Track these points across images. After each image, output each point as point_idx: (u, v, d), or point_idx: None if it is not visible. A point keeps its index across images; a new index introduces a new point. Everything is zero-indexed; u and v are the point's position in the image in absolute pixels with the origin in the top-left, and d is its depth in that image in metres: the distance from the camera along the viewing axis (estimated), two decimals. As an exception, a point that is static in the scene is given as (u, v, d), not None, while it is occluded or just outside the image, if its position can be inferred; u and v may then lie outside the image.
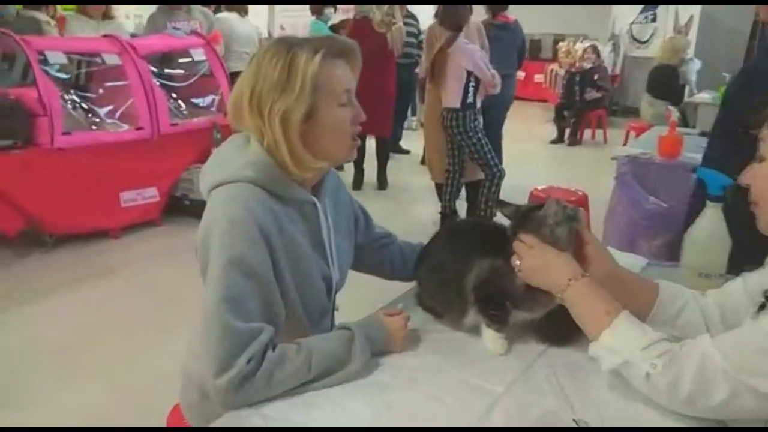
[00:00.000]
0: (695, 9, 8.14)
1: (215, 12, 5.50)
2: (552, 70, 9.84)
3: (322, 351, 1.02)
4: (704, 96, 5.68)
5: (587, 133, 7.98)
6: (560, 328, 1.10)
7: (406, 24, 5.24)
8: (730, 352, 0.86)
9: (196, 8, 4.91)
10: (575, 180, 4.63)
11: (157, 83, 4.03)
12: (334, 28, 5.85)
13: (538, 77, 10.60)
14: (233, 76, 4.37)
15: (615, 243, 2.54)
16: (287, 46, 1.09)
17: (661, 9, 9.19)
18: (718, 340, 0.88)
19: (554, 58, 10.04)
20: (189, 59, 4.38)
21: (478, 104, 3.90)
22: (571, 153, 7.44)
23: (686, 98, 5.68)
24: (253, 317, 1.00)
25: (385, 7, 4.80)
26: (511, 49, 4.78)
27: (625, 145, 5.84)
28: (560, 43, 9.88)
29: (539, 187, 3.92)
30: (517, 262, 1.08)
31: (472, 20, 4.00)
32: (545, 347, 1.13)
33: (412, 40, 5.54)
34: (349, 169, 5.27)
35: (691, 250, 1.35)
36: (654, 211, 2.99)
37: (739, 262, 1.34)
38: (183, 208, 4.14)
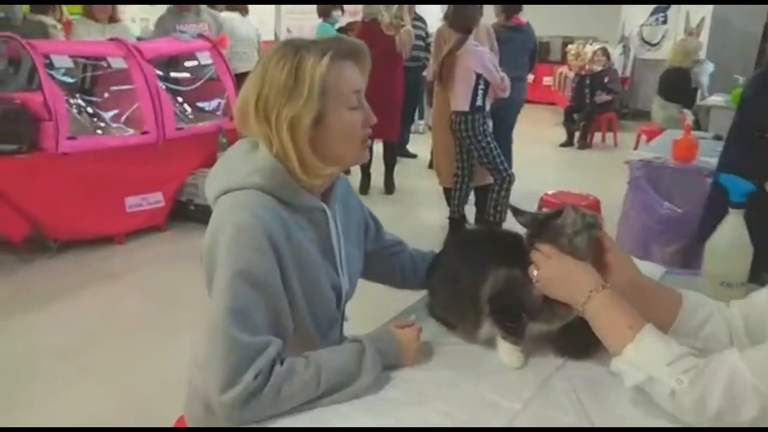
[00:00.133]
0: (706, 10, 8.05)
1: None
2: (561, 73, 9.78)
3: (331, 365, 0.98)
4: (717, 99, 5.61)
5: (597, 137, 7.92)
6: (579, 341, 1.05)
7: (414, 27, 5.20)
8: (760, 367, 0.81)
9: (205, 10, 4.90)
10: (586, 184, 4.58)
11: (163, 87, 4.01)
12: (341, 31, 5.82)
13: (547, 80, 10.54)
14: (237, 78, 4.35)
15: (628, 249, 2.47)
16: (294, 49, 1.05)
17: (672, 11, 9.10)
18: (747, 355, 0.84)
19: (563, 60, 9.97)
20: (195, 63, 4.36)
21: (488, 107, 3.86)
22: (581, 156, 7.38)
23: (698, 101, 5.61)
24: (260, 330, 0.96)
25: (394, 9, 4.76)
26: (523, 52, 4.72)
27: (636, 148, 5.79)
28: (569, 46, 9.82)
29: (550, 192, 3.88)
30: (535, 273, 1.03)
31: (481, 22, 3.96)
32: (563, 361, 1.08)
33: (420, 42, 5.50)
34: (356, 173, 5.23)
35: (713, 258, 1.30)
36: (668, 217, 2.94)
37: (759, 270, 1.29)
38: (188, 213, 4.11)
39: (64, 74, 3.77)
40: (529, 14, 4.85)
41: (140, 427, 2.03)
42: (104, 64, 3.89)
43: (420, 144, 6.61)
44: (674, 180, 3.03)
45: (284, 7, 8.97)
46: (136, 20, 7.57)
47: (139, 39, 4.92)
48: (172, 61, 4.36)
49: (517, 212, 1.12)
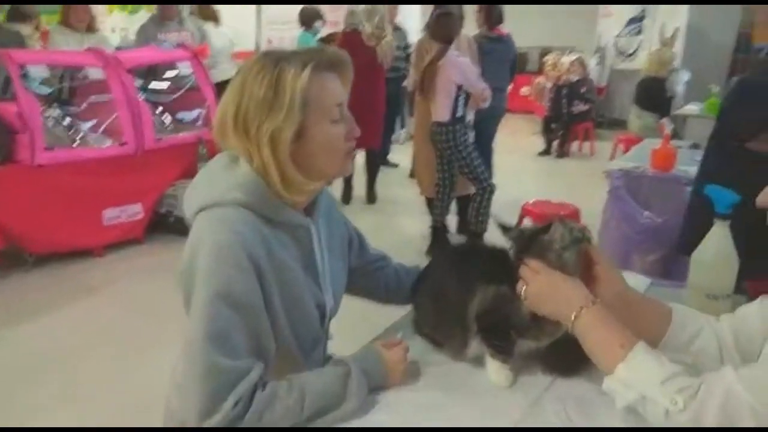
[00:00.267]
0: (681, 21, 8.22)
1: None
2: (539, 83, 9.88)
3: (316, 388, 0.95)
4: (692, 108, 5.70)
5: (574, 145, 8.03)
6: (568, 357, 1.04)
7: (395, 37, 5.21)
8: (756, 386, 0.80)
9: (188, 19, 4.85)
10: (564, 192, 4.63)
11: (142, 97, 3.96)
12: (323, 41, 5.81)
13: (525, 90, 10.64)
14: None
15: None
16: (274, 61, 1.01)
17: (647, 22, 9.26)
18: (742, 374, 0.83)
19: (540, 70, 10.07)
20: (175, 72, 4.31)
21: (468, 118, 3.86)
22: (559, 165, 7.47)
23: (674, 110, 5.69)
24: (241, 353, 0.93)
25: (375, 19, 4.77)
26: (505, 63, 4.77)
27: (613, 157, 5.85)
28: (546, 56, 9.93)
29: (530, 202, 3.90)
30: (523, 289, 1.02)
31: (462, 33, 3.97)
32: (552, 378, 1.06)
33: (400, 53, 5.52)
34: (338, 182, 5.21)
35: (698, 270, 1.30)
36: (648, 226, 2.96)
37: (740, 280, 1.30)
38: (168, 225, 4.05)
39: (41, 84, 3.70)
40: (507, 25, 4.90)
41: (140, 427, 1.99)
42: (82, 74, 3.83)
43: (401, 153, 6.62)
44: (653, 189, 3.05)
45: (265, 17, 8.92)
46: (115, 30, 7.49)
47: (118, 49, 4.86)
48: (152, 71, 4.31)
49: (505, 229, 1.10)
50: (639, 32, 9.46)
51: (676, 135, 4.87)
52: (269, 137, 0.99)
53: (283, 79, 0.99)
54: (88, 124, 3.82)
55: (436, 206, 4.06)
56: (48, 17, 5.55)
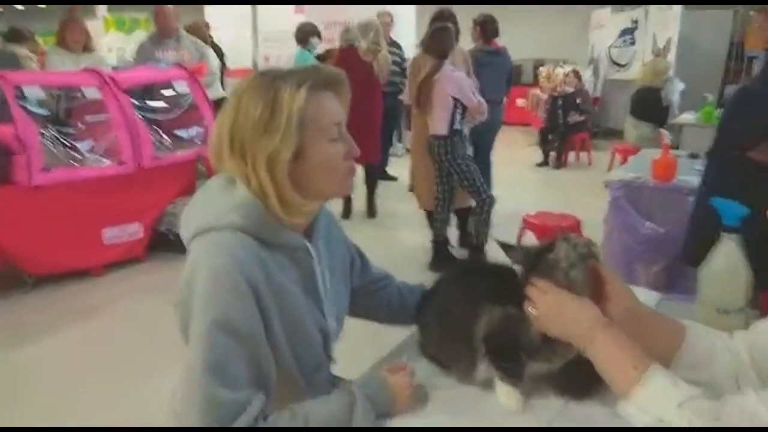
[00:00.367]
0: (673, 31, 8.28)
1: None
2: (534, 95, 9.93)
3: (319, 418, 0.92)
4: (688, 117, 5.72)
5: (571, 156, 8.05)
6: (581, 379, 1.01)
7: (390, 52, 5.24)
8: None
9: (186, 38, 4.85)
10: (564, 203, 4.62)
11: (140, 116, 3.95)
12: (320, 59, 5.82)
13: (521, 102, 10.70)
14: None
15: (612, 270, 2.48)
16: (269, 80, 0.99)
17: (640, 32, 9.33)
18: (765, 396, 0.81)
19: (535, 82, 10.14)
20: (172, 91, 4.30)
21: (466, 131, 3.86)
22: (557, 176, 7.48)
23: (671, 119, 5.71)
24: (241, 383, 0.90)
25: (371, 35, 4.80)
26: (501, 75, 4.80)
27: (610, 168, 5.85)
28: (541, 68, 9.99)
29: (531, 213, 3.89)
30: (532, 310, 1.00)
31: (457, 47, 3.99)
32: (565, 401, 1.04)
33: (396, 68, 5.55)
34: (338, 198, 5.19)
35: (708, 284, 1.27)
36: (650, 236, 2.95)
37: (752, 292, 1.28)
38: (168, 243, 4.01)
39: (38, 105, 3.69)
40: (502, 37, 4.93)
41: (140, 427, 1.97)
42: (79, 94, 3.82)
43: (399, 167, 6.62)
44: (654, 199, 3.04)
45: (262, 35, 8.95)
46: (112, 49, 7.52)
47: (114, 68, 4.86)
48: (149, 90, 4.30)
49: (508, 248, 1.08)
50: (632, 43, 9.53)
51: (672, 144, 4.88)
52: (266, 158, 0.97)
53: (279, 99, 0.97)
54: (86, 144, 3.80)
55: (436, 219, 4.04)
56: (45, 38, 5.57)
